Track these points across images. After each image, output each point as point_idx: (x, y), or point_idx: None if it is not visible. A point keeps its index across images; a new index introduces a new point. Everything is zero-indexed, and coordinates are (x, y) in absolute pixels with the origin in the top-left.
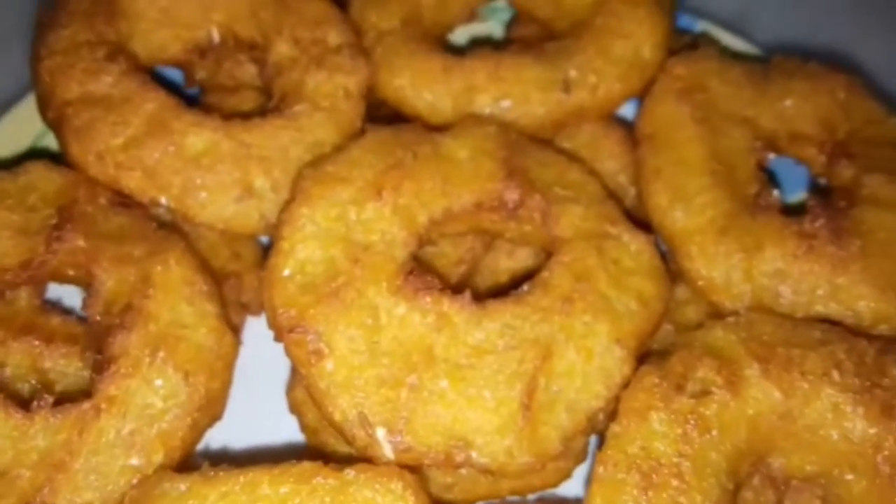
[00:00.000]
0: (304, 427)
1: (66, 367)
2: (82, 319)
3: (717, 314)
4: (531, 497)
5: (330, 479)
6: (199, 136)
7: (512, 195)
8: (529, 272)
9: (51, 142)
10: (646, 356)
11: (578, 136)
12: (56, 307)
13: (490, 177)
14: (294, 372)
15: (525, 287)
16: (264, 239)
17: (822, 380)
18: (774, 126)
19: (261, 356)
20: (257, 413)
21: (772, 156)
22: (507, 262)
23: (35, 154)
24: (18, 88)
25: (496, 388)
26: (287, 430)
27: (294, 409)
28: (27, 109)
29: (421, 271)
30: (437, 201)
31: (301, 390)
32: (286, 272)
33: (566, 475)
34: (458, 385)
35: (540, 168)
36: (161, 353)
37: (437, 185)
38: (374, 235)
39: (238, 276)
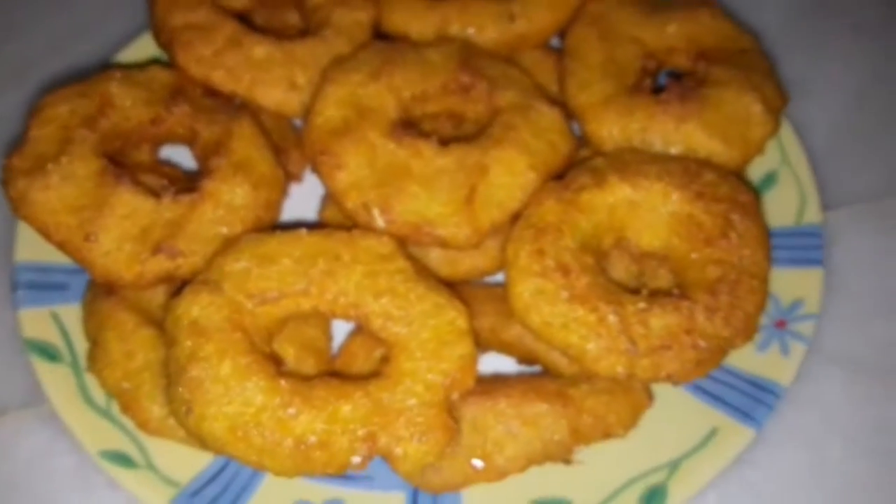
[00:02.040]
0: None
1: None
2: (183, 171)
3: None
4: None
5: (344, 233)
6: (261, 48)
7: (466, 79)
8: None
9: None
10: None
11: (523, 61)
12: (167, 162)
13: (452, 70)
14: (323, 202)
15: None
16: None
17: (657, 180)
18: (656, 43)
19: (302, 203)
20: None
21: (652, 62)
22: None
23: (154, 62)
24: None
25: (450, 191)
26: None
27: (323, 224)
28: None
29: (406, 125)
30: (416, 84)
31: (328, 212)
32: (318, 122)
33: (503, 264)
34: (426, 190)
35: (489, 67)
36: (240, 172)
37: (417, 75)
38: (373, 103)
39: (286, 151)
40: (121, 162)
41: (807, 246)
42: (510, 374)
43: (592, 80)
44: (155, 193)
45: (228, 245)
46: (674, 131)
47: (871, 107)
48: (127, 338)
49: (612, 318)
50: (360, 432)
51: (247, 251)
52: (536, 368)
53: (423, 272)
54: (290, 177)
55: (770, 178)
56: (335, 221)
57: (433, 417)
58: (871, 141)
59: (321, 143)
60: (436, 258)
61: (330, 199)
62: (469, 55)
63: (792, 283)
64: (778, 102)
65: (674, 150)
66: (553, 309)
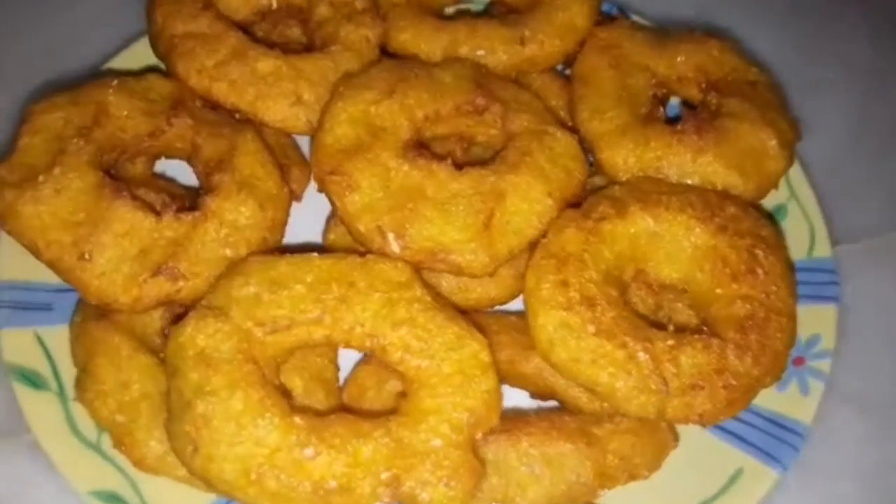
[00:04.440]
0: None
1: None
2: (181, 186)
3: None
4: (490, 310)
5: (358, 258)
6: (266, 61)
7: (480, 101)
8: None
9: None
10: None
11: (532, 84)
12: (162, 176)
13: (466, 91)
14: (328, 223)
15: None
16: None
17: (679, 211)
18: (667, 72)
19: (303, 225)
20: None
21: (664, 91)
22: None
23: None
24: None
25: (466, 216)
26: None
27: (328, 248)
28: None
29: (418, 147)
30: (429, 104)
31: (333, 234)
32: (328, 142)
33: (516, 293)
34: (441, 214)
35: (501, 90)
36: (244, 190)
37: (430, 95)
38: (385, 122)
39: (287, 169)
40: (116, 175)
41: (820, 281)
42: (526, 409)
43: (606, 107)
44: (155, 210)
45: (233, 268)
46: (691, 162)
47: (866, 143)
48: (121, 365)
49: (642, 356)
50: (384, 476)
51: (255, 275)
52: (551, 403)
53: (441, 301)
54: (291, 196)
55: (779, 212)
56: (341, 245)
57: (460, 459)
58: (870, 176)
59: (332, 163)
60: (447, 286)
61: (335, 221)
62: (483, 77)
63: (807, 319)
64: (791, 136)
65: (689, 181)
66: (580, 344)
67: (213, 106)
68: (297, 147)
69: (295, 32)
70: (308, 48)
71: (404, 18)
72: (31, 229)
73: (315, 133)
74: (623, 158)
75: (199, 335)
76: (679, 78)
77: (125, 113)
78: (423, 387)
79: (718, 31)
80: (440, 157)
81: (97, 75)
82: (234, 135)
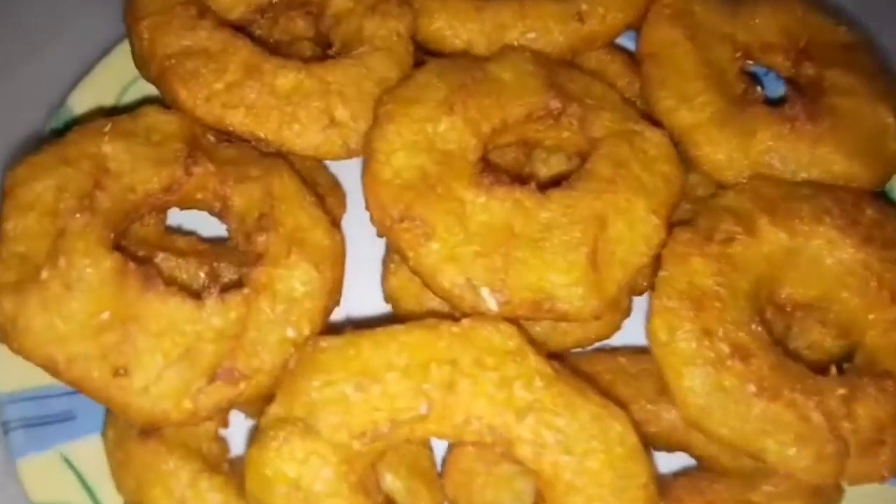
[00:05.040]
0: (399, 313)
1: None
2: (203, 240)
3: (723, 188)
4: (590, 347)
5: (454, 327)
6: (286, 76)
7: (556, 104)
8: (563, 176)
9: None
10: (672, 225)
11: (588, 63)
12: (178, 230)
13: (535, 91)
14: (387, 265)
15: (573, 178)
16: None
17: (816, 222)
18: (748, 39)
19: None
20: (356, 307)
21: (749, 63)
22: (543, 169)
23: (141, 103)
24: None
25: (566, 253)
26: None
27: (390, 295)
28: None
29: (491, 168)
30: (495, 114)
31: (395, 280)
32: (386, 177)
33: (617, 328)
34: (537, 253)
35: (571, 83)
36: (294, 250)
37: (494, 101)
38: (451, 144)
39: (320, 198)
40: (126, 244)
41: None
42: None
43: (693, 91)
44: (192, 293)
45: (305, 360)
46: (808, 154)
47: None
48: (184, 495)
49: (815, 417)
50: None
51: (336, 369)
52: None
53: (554, 364)
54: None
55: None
56: (407, 293)
57: None
58: None
59: (399, 206)
60: (540, 329)
61: (395, 261)
62: (549, 70)
63: None
64: None
65: (804, 175)
66: (741, 409)
67: (229, 137)
68: (324, 168)
69: (299, 26)
70: (320, 44)
71: (435, 1)
72: (44, 344)
73: (363, 163)
74: (727, 155)
75: (287, 463)
76: (762, 45)
77: (129, 166)
78: (569, 489)
79: None
80: (519, 179)
81: (77, 120)
82: (265, 175)
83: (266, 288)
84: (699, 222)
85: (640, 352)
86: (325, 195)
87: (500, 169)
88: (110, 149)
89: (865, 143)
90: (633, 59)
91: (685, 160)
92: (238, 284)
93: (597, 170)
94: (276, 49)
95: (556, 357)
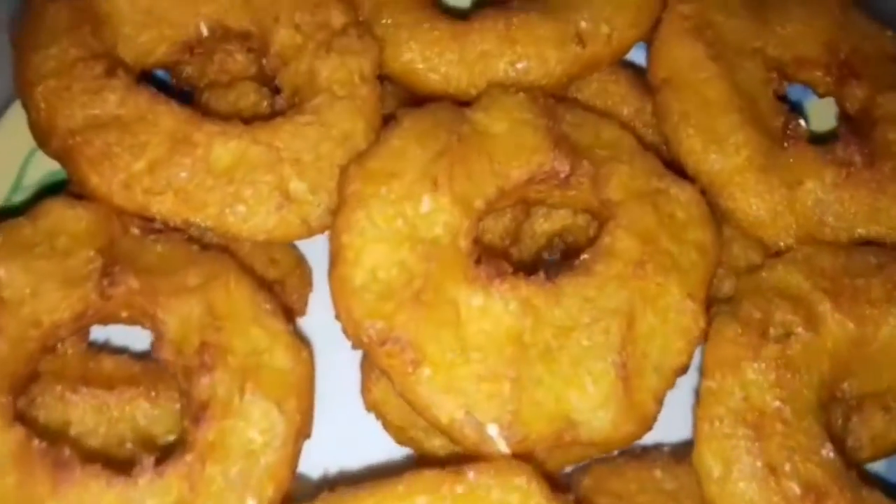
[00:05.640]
0: (388, 426)
1: (134, 411)
2: (136, 356)
3: (763, 249)
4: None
5: (458, 486)
6: (225, 146)
7: (563, 167)
8: (566, 230)
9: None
10: (710, 303)
11: (587, 86)
12: (105, 349)
13: (535, 149)
14: (368, 372)
15: (586, 255)
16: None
17: (888, 305)
18: (780, 53)
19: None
20: (335, 419)
21: (784, 84)
22: (544, 224)
23: (44, 192)
24: None
25: (590, 364)
26: (367, 431)
27: (373, 408)
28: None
29: (489, 256)
30: (489, 182)
31: (378, 390)
32: (358, 281)
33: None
34: (554, 367)
35: (576, 131)
36: (249, 386)
37: (486, 166)
38: (437, 228)
39: (280, 282)
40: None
41: None
42: None
43: (723, 128)
44: (119, 462)
45: None
46: (868, 206)
47: None
48: None
49: None
50: None
51: None
52: None
53: None
54: (291, 313)
55: None
56: (389, 407)
57: None
58: None
59: (377, 323)
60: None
61: (376, 371)
62: (548, 115)
63: None
64: None
65: (863, 232)
66: None
67: (158, 226)
68: (285, 247)
69: (240, 63)
70: (269, 84)
71: (402, 27)
72: None
73: (329, 260)
74: (769, 210)
75: None
76: (797, 59)
77: (29, 292)
78: None
79: None
80: (523, 268)
81: None
82: (205, 284)
83: (215, 448)
84: (745, 309)
85: (677, 455)
86: (284, 277)
87: (497, 248)
88: (2, 272)
89: None
90: (640, 77)
91: (716, 210)
92: (181, 444)
93: (617, 247)
94: (213, 94)
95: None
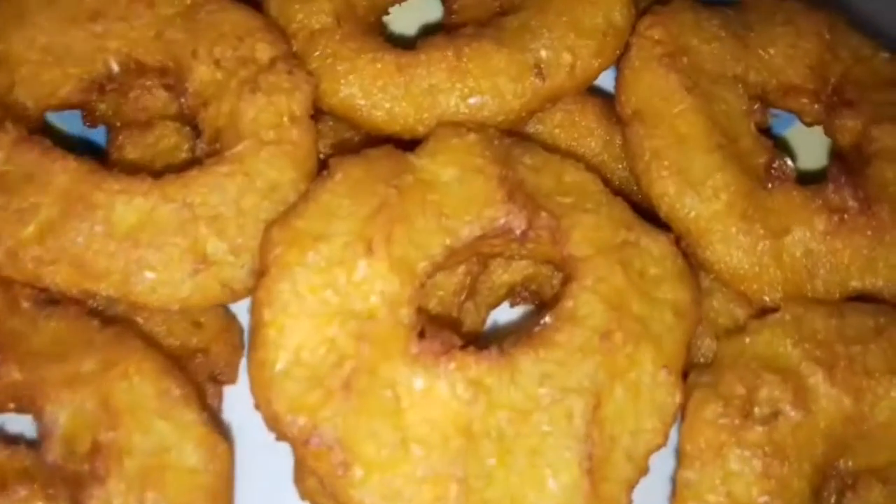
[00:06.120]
0: None
1: None
2: (32, 444)
3: (748, 301)
4: None
5: None
6: (128, 205)
7: (518, 222)
8: (528, 279)
9: None
10: (688, 367)
11: (551, 117)
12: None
13: (487, 201)
14: (298, 461)
15: (548, 319)
16: None
17: (888, 376)
18: (763, 79)
19: (250, 437)
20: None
21: (767, 113)
22: (503, 276)
23: None
24: None
25: (550, 455)
26: None
27: (309, 498)
28: None
29: (433, 328)
30: (434, 241)
31: (312, 482)
32: (280, 366)
33: None
34: (508, 460)
35: (535, 176)
36: (150, 496)
37: (431, 222)
38: (373, 299)
39: (204, 351)
40: None
41: None
42: None
43: (700, 169)
44: None
45: None
46: (863, 256)
47: None
48: None
49: None
50: None
51: None
52: None
53: None
54: (220, 382)
55: None
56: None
57: None
58: None
59: (300, 419)
60: None
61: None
62: (502, 159)
63: None
64: None
65: (857, 285)
66: None
67: (54, 300)
68: (210, 309)
69: (158, 99)
70: (190, 122)
71: (341, 58)
72: None
73: (248, 339)
74: (752, 262)
75: None
76: (782, 86)
77: None
78: None
79: None
80: (475, 338)
81: None
82: (102, 371)
83: None
84: (727, 382)
85: None
86: (209, 343)
87: (445, 316)
88: None
89: None
90: (610, 104)
91: (694, 259)
92: None
93: (581, 314)
94: (130, 136)
95: None
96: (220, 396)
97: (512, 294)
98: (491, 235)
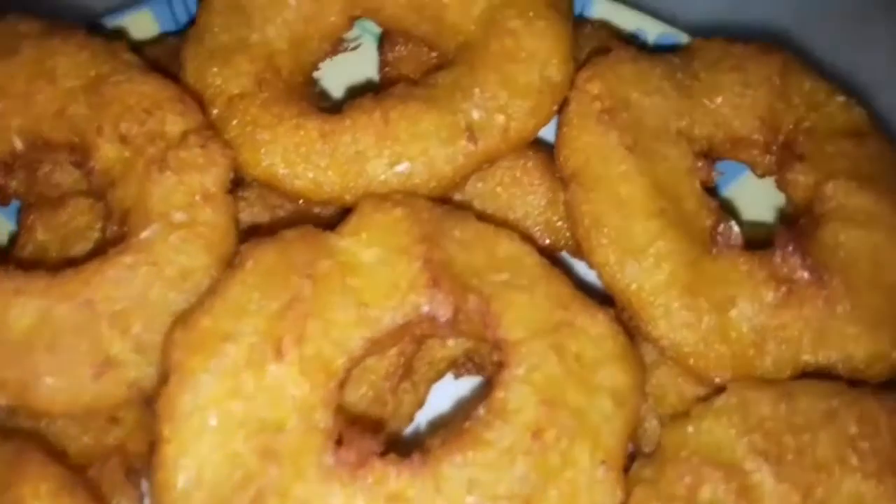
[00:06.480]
0: None
1: None
2: None
3: (694, 376)
4: None
5: None
6: (23, 306)
7: (444, 311)
8: (470, 352)
9: None
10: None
11: (492, 174)
12: None
13: (410, 286)
14: None
15: (481, 411)
16: None
17: (839, 468)
18: (709, 132)
19: None
20: None
21: (715, 173)
22: (442, 351)
23: None
24: None
25: None
26: None
27: None
28: None
29: (351, 431)
30: (353, 334)
31: None
32: (180, 486)
33: None
34: None
35: (465, 252)
36: None
37: (350, 313)
38: (283, 406)
39: (120, 449)
40: None
41: None
42: None
43: (641, 236)
44: None
45: None
46: (813, 330)
47: None
48: None
49: None
50: None
51: None
52: None
53: None
54: (139, 477)
55: None
56: None
57: None
58: None
59: None
60: None
61: None
62: (429, 236)
63: None
64: None
65: (810, 359)
66: None
67: None
68: None
69: (71, 174)
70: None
71: (262, 126)
72: None
73: (154, 453)
74: (698, 342)
75: None
76: (731, 139)
77: None
78: None
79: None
80: (392, 433)
81: None
82: None
83: None
84: (668, 478)
85: None
86: (125, 443)
87: (374, 409)
88: None
89: (890, 304)
90: (553, 157)
91: (637, 331)
92: None
93: (512, 408)
94: (43, 214)
95: None
96: (139, 492)
97: (455, 366)
98: (416, 322)
